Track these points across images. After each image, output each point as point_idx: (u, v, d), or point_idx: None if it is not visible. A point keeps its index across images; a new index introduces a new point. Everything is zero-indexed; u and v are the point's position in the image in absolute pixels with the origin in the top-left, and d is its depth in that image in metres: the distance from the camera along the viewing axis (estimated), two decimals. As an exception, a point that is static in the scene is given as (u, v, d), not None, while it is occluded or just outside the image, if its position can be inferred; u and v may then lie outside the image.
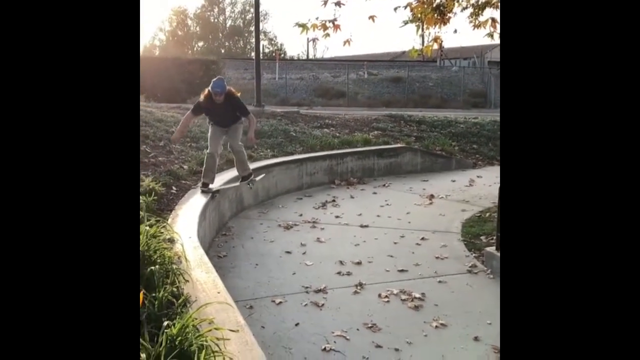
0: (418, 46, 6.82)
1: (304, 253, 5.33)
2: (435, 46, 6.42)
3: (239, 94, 5.77)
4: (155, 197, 5.13)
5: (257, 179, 6.40)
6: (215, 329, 2.43)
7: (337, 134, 10.42)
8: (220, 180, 6.21)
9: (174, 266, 3.18)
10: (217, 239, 5.68)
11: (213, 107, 5.60)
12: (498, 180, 5.14)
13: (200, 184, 5.70)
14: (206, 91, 5.60)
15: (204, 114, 5.84)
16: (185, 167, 6.72)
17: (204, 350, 2.12)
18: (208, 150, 5.77)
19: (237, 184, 6.21)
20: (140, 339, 2.19)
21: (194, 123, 7.68)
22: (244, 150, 6.09)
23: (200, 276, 3.54)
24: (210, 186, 5.69)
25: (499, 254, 4.88)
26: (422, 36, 9.60)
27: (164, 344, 2.13)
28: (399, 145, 10.18)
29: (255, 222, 6.44)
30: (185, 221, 4.81)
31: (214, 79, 5.66)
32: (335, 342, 3.56)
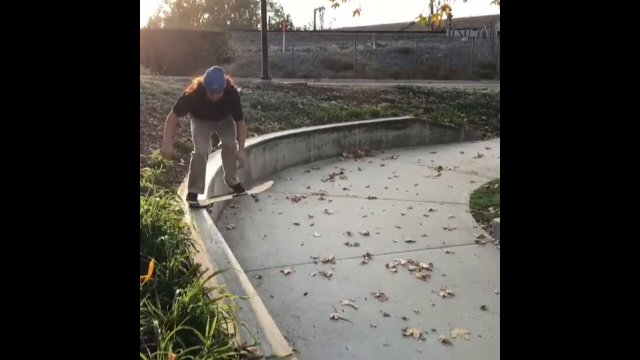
0: (426, 15, 6.70)
1: (312, 225, 5.36)
2: (444, 15, 6.30)
3: (239, 89, 4.62)
4: (164, 170, 5.16)
5: (263, 189, 5.38)
6: (226, 296, 2.47)
7: (345, 106, 10.34)
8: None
9: (184, 236, 3.21)
10: (225, 211, 5.72)
11: (202, 105, 4.34)
12: (507, 151, 5.11)
13: (185, 195, 4.41)
14: (196, 84, 4.28)
15: (188, 113, 4.51)
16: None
17: (215, 317, 2.16)
18: (194, 151, 4.47)
19: (230, 197, 4.98)
20: (153, 307, 2.23)
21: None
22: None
23: (210, 246, 3.58)
24: (200, 197, 4.45)
25: (500, 223, 4.88)
26: (431, 5, 9.42)
27: (176, 311, 2.17)
28: (407, 117, 10.10)
29: (263, 194, 6.46)
30: (194, 193, 4.85)
31: (210, 70, 4.21)
32: (343, 310, 3.60)
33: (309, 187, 6.80)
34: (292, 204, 6.10)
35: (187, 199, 4.34)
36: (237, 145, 4.61)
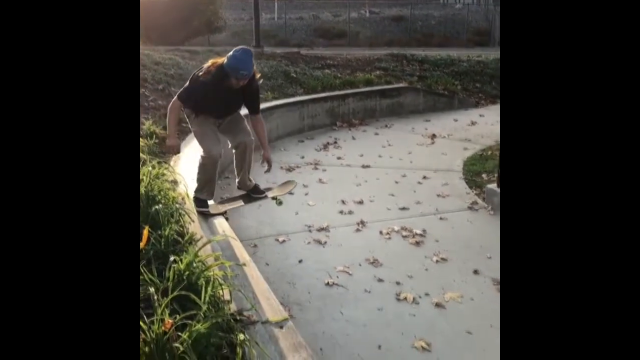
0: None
1: (306, 194, 5.38)
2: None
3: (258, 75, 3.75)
4: (157, 140, 5.14)
5: (286, 191, 4.45)
6: (221, 263, 2.50)
7: (339, 75, 10.26)
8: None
9: (178, 206, 3.23)
10: (219, 182, 5.72)
11: (217, 94, 3.55)
12: (500, 119, 5.11)
13: (192, 198, 3.69)
14: (213, 67, 3.52)
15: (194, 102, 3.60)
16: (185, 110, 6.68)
17: (210, 283, 2.19)
18: (204, 153, 3.66)
19: (242, 203, 4.12)
20: (149, 275, 2.26)
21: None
22: None
23: (205, 216, 3.60)
24: (210, 203, 3.80)
25: (500, 191, 4.93)
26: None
27: (172, 278, 2.20)
28: (401, 85, 10.04)
29: (257, 164, 6.43)
30: (188, 164, 4.84)
31: (237, 52, 3.45)
32: (337, 277, 3.66)
33: (303, 157, 6.80)
34: (287, 174, 6.11)
35: (197, 206, 3.62)
36: (264, 153, 3.97)
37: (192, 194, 3.68)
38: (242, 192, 4.14)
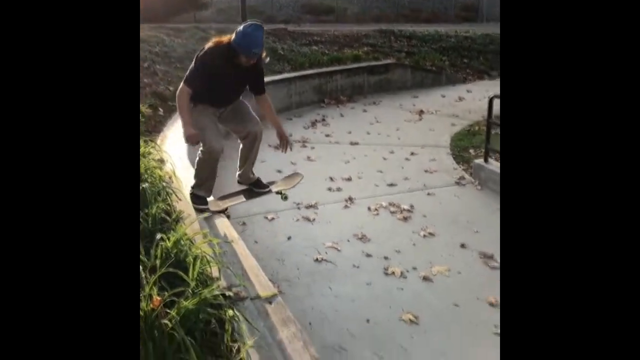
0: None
1: (295, 172, 5.37)
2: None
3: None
4: (143, 119, 5.08)
5: (292, 185, 4.03)
6: (210, 241, 2.50)
7: (326, 51, 10.17)
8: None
9: (165, 185, 3.22)
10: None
11: (225, 76, 3.28)
12: (487, 94, 5.12)
13: (189, 195, 3.48)
14: (218, 44, 3.25)
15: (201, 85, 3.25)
16: (170, 88, 6.60)
17: (198, 261, 2.20)
18: (204, 147, 3.35)
19: (244, 199, 3.78)
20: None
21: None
22: None
23: (192, 194, 3.59)
24: (210, 200, 3.55)
25: (487, 166, 4.96)
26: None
27: (159, 255, 2.20)
28: (389, 61, 9.99)
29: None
30: (175, 143, 4.81)
31: (248, 28, 3.17)
32: (326, 253, 3.69)
33: (291, 135, 6.75)
34: (275, 152, 6.06)
35: (195, 203, 3.39)
36: (280, 132, 3.69)
37: (188, 190, 3.49)
38: (242, 187, 3.84)
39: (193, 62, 3.29)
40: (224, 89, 3.37)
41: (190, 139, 3.22)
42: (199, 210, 3.31)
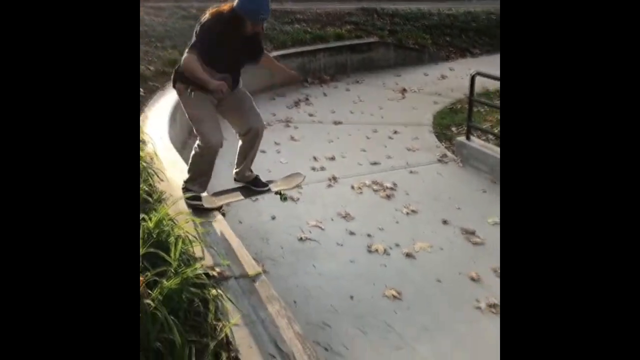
0: None
1: (278, 152, 5.36)
2: None
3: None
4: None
5: (293, 185, 3.79)
6: (192, 220, 2.50)
7: (309, 30, 10.06)
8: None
9: (147, 165, 3.19)
10: (189, 141, 5.64)
11: (230, 44, 3.05)
12: (469, 72, 5.12)
13: (182, 189, 3.28)
14: (219, 12, 3.03)
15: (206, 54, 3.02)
16: (151, 68, 6.50)
17: (180, 241, 2.19)
18: (202, 142, 3.15)
19: (242, 197, 3.57)
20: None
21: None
22: None
23: (175, 175, 3.58)
24: (204, 196, 3.29)
25: (469, 143, 5.00)
26: None
27: (141, 236, 2.19)
28: (372, 39, 9.92)
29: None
30: (156, 123, 4.76)
31: None
32: (310, 232, 3.71)
33: (274, 114, 6.73)
34: (258, 132, 6.05)
35: (188, 199, 3.16)
36: (279, 69, 3.55)
37: (181, 183, 3.31)
38: (239, 184, 3.61)
39: (195, 34, 3.05)
40: (227, 61, 3.11)
41: (219, 89, 2.98)
42: (191, 207, 3.11)
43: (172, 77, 3.17)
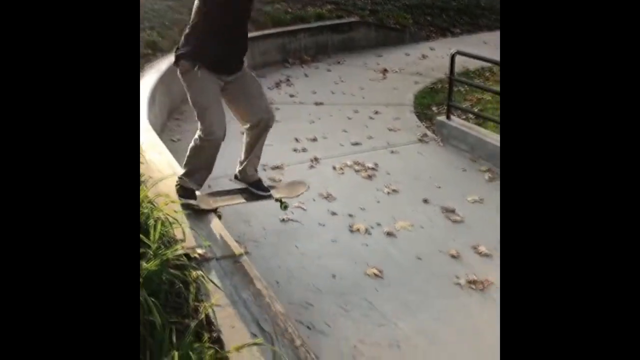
0: None
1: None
2: None
3: None
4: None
5: (296, 194, 3.41)
6: (172, 202, 2.49)
7: (289, 10, 9.94)
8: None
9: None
10: (169, 123, 5.59)
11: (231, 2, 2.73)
12: (450, 52, 5.12)
13: (176, 186, 3.00)
14: None
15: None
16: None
17: (160, 223, 2.19)
18: (204, 133, 2.83)
19: (243, 201, 3.23)
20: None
21: None
22: None
23: (154, 157, 3.55)
24: (199, 194, 3.04)
25: (449, 122, 5.03)
26: None
27: (120, 219, 2.18)
28: (352, 19, 9.85)
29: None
30: (134, 106, 4.69)
31: None
32: (292, 212, 3.71)
33: (254, 96, 6.68)
34: (238, 113, 6.01)
35: (182, 196, 2.91)
36: None
37: (175, 179, 3.04)
38: (240, 185, 3.29)
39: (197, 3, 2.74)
40: (231, 23, 2.76)
41: None
42: (185, 206, 2.86)
43: (174, 54, 2.85)
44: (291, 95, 6.67)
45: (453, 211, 3.75)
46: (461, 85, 6.19)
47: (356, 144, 5.02)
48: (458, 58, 5.00)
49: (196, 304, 1.96)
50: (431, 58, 8.52)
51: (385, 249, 3.33)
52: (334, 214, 3.72)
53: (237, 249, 2.60)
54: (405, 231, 3.52)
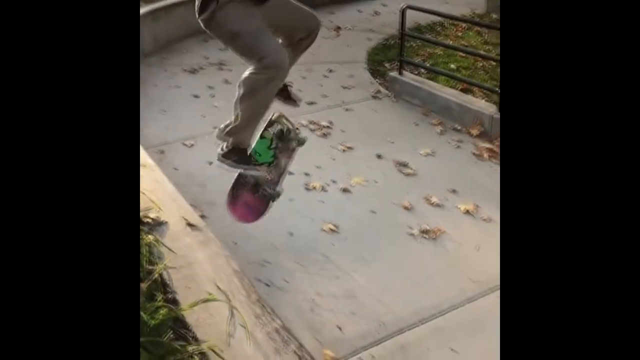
0: None
1: (212, 96, 5.26)
2: None
3: None
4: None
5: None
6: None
7: (237, -32, 9.63)
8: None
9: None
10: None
11: None
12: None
13: (225, 153, 2.62)
14: None
15: None
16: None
17: (109, 189, 2.16)
18: (269, 60, 2.32)
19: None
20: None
21: None
22: None
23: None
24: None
25: (401, 78, 5.08)
26: None
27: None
28: (304, -24, 9.64)
29: (156, 69, 6.15)
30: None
31: None
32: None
33: (207, 58, 6.53)
34: (190, 76, 5.89)
35: (234, 160, 2.57)
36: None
37: (221, 138, 2.61)
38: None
39: None
40: None
41: None
42: (237, 165, 2.51)
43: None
44: (244, 56, 6.57)
45: (406, 165, 3.84)
46: (413, 41, 6.21)
47: (311, 103, 5.01)
48: (409, 13, 5.00)
49: (150, 267, 1.98)
50: (383, 14, 8.47)
51: (341, 204, 3.41)
52: (290, 173, 3.71)
53: (191, 212, 2.61)
54: (360, 186, 3.60)
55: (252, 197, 2.85)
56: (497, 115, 4.24)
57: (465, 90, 4.93)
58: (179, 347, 1.55)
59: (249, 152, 2.61)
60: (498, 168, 3.90)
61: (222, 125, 2.63)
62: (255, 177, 2.73)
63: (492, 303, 2.68)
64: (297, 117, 4.65)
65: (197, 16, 2.39)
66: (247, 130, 2.52)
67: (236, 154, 2.56)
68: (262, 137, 2.80)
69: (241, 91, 2.42)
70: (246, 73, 2.41)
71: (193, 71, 6.02)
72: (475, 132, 4.29)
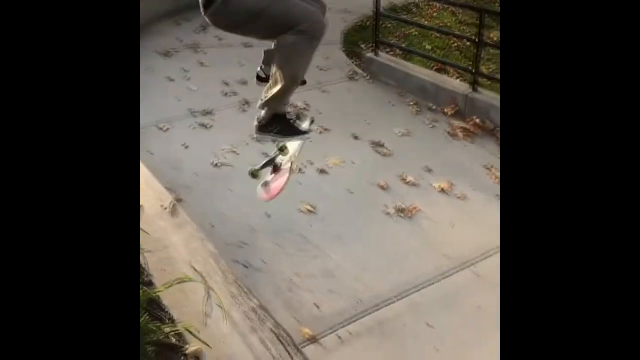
0: None
1: (187, 79, 5.20)
2: None
3: None
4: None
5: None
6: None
7: (210, -52, 9.45)
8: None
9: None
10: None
11: None
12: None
13: (268, 121, 2.42)
14: None
15: None
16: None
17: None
18: (309, 21, 2.07)
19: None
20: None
21: None
22: None
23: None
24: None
25: (377, 59, 5.08)
26: None
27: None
28: (278, -44, 9.51)
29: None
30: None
31: None
32: (225, 157, 3.72)
33: (181, 41, 6.43)
34: (165, 59, 5.80)
35: (277, 132, 2.43)
36: None
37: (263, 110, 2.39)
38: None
39: None
40: None
41: None
42: (290, 132, 2.38)
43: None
44: (219, 39, 6.46)
45: (382, 145, 3.86)
46: (388, 21, 6.19)
47: (287, 85, 5.00)
48: (383, -8, 4.98)
49: (125, 250, 1.97)
50: (360, -6, 8.45)
51: (318, 185, 3.42)
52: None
53: (166, 195, 2.60)
54: (337, 167, 3.62)
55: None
56: (472, 95, 4.28)
57: (440, 70, 4.96)
58: (154, 329, 1.56)
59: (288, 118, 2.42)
60: (472, 147, 3.96)
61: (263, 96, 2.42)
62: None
63: (467, 279, 2.74)
64: (273, 99, 4.65)
65: (202, 12, 2.17)
66: (287, 96, 2.36)
67: (278, 123, 2.39)
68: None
69: (280, 58, 2.22)
70: (285, 38, 2.12)
71: (167, 54, 5.93)
72: (449, 111, 4.33)
